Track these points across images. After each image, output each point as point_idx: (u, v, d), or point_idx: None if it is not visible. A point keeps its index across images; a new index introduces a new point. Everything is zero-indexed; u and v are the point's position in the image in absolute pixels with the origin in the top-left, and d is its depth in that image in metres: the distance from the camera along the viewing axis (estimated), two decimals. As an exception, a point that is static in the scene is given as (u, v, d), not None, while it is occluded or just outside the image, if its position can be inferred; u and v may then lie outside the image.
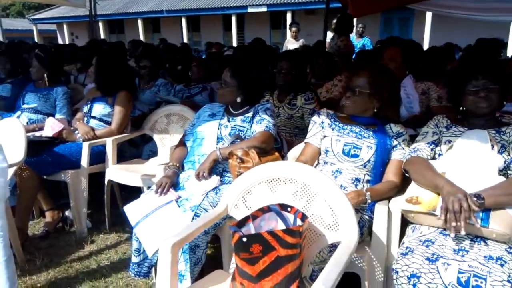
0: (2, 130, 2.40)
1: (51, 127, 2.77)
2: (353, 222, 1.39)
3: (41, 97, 3.14)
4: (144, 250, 1.90)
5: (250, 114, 2.17)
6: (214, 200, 1.91)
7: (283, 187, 1.58)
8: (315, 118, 2.03)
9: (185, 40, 17.49)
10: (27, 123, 3.04)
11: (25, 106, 3.12)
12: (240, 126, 2.14)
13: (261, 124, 2.10)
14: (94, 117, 2.94)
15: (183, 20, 18.46)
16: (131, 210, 1.94)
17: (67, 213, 2.90)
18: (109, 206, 2.84)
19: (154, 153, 3.25)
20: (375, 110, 1.86)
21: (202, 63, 3.67)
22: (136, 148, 3.40)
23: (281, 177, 1.58)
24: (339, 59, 4.26)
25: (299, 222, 1.36)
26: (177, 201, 1.92)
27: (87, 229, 2.78)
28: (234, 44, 15.09)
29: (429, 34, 14.23)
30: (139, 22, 19.07)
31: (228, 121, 2.19)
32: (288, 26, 7.86)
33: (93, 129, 2.82)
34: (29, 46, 6.08)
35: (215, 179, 2.01)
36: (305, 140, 2.02)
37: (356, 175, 1.82)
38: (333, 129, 1.93)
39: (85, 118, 2.96)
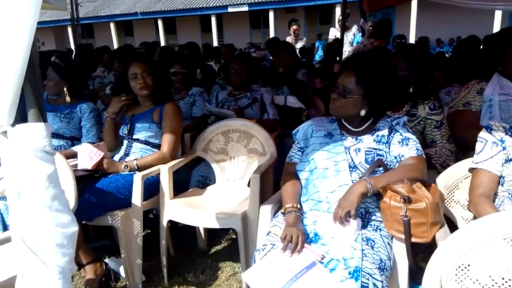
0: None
1: (89, 156, 2.12)
2: None
3: (62, 117, 2.50)
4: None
5: (384, 132, 1.64)
6: (375, 258, 1.37)
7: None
8: (484, 135, 1.53)
9: (163, 43, 16.70)
10: (48, 151, 2.39)
11: (42, 129, 2.46)
12: (376, 149, 1.61)
13: (408, 145, 1.58)
14: (137, 140, 2.31)
15: (159, 22, 17.67)
16: (257, 279, 1.37)
17: (108, 262, 2.27)
18: (167, 253, 2.24)
19: (205, 178, 2.66)
20: None
21: (247, 68, 3.01)
22: (179, 173, 2.78)
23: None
24: None
25: None
26: (321, 262, 1.37)
27: (141, 284, 2.17)
28: (215, 45, 14.43)
29: (415, 29, 14.17)
30: (112, 25, 18.10)
31: (356, 141, 1.65)
32: (288, 24, 7.37)
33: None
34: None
35: (355, 224, 1.47)
36: (476, 166, 1.51)
37: None
38: (520, 150, 1.44)
39: (126, 142, 2.34)
